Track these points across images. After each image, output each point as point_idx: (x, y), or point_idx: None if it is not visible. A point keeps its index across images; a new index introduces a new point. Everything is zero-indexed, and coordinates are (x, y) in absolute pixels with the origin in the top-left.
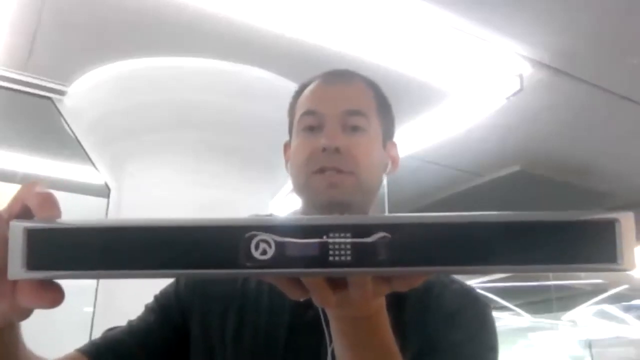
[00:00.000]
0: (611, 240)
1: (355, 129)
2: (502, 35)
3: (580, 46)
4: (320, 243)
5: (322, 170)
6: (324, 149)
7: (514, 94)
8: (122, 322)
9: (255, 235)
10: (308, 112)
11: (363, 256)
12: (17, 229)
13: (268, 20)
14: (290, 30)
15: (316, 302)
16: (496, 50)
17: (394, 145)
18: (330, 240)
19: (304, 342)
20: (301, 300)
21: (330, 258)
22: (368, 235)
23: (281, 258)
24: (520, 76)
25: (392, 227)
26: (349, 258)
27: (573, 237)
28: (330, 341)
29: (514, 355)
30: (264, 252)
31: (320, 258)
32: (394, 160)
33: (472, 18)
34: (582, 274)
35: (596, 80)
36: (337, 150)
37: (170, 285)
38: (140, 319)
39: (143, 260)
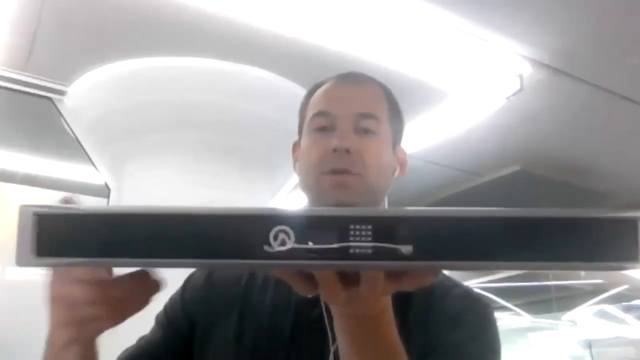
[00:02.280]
0: (633, 239)
1: (366, 131)
2: (502, 35)
3: (580, 46)
4: (341, 236)
5: (332, 172)
6: (335, 150)
7: (514, 94)
8: (125, 324)
9: (274, 226)
10: (320, 113)
11: (384, 250)
12: (27, 214)
13: (268, 20)
14: (290, 30)
15: (325, 298)
16: (496, 50)
17: (403, 150)
18: (352, 234)
19: (307, 341)
20: (309, 296)
21: (351, 251)
22: (390, 229)
23: (300, 250)
24: (520, 76)
25: (414, 221)
26: (369, 251)
27: (595, 235)
28: (334, 340)
29: (514, 355)
30: (283, 243)
31: (341, 251)
32: (403, 165)
33: (472, 18)
34: (582, 274)
35: (596, 80)
36: (347, 151)
37: (176, 294)
38: (150, 337)
39: (153, 249)
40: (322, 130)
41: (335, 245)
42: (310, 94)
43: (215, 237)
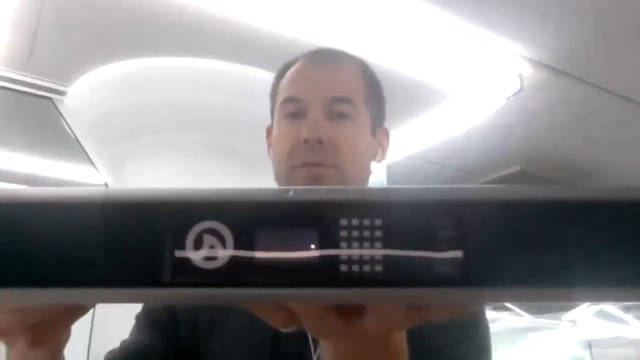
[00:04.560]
0: None
1: (341, 116)
2: (502, 35)
3: (580, 46)
4: (323, 239)
5: (304, 165)
6: (306, 141)
7: (514, 94)
8: (122, 320)
9: (195, 221)
10: (289, 99)
11: (406, 265)
12: None
13: (268, 21)
14: (290, 30)
15: (310, 333)
16: (496, 51)
17: (385, 131)
18: (344, 235)
19: (290, 350)
20: (290, 330)
21: (343, 268)
22: (417, 223)
23: (245, 266)
24: (520, 76)
25: (467, 208)
26: (379, 268)
27: None
28: (315, 349)
29: (514, 355)
30: (212, 256)
31: (324, 268)
32: (384, 148)
33: (472, 18)
34: None
35: (596, 80)
36: (319, 142)
37: None
38: (136, 339)
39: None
40: (293, 117)
41: (313, 255)
42: (280, 74)
43: (95, 249)
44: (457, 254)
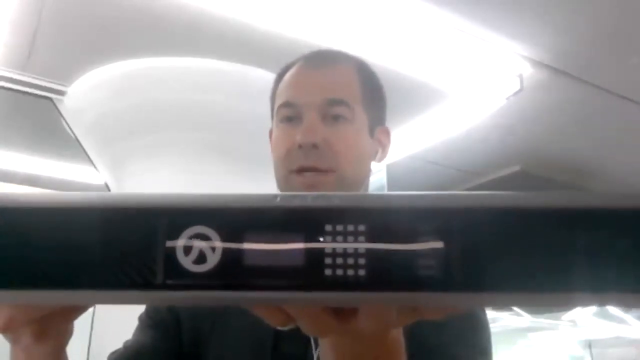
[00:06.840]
0: None
1: (337, 118)
2: (502, 35)
3: (580, 46)
4: (307, 247)
5: (300, 170)
6: (300, 146)
7: (514, 94)
8: (122, 320)
9: (185, 226)
10: (285, 104)
11: (388, 269)
12: None
13: (268, 20)
14: (291, 30)
15: (306, 331)
16: (496, 50)
17: (385, 130)
18: (328, 240)
19: (290, 350)
20: (286, 328)
21: (328, 272)
22: (402, 228)
23: (232, 270)
24: (520, 76)
25: (448, 215)
26: (362, 273)
27: None
28: (316, 347)
29: (514, 355)
30: (202, 259)
31: (309, 273)
32: (385, 147)
33: (472, 18)
34: None
35: (596, 80)
36: (314, 146)
37: None
38: (138, 339)
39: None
40: (289, 120)
41: (299, 260)
42: (279, 77)
43: (87, 251)
44: (440, 259)
